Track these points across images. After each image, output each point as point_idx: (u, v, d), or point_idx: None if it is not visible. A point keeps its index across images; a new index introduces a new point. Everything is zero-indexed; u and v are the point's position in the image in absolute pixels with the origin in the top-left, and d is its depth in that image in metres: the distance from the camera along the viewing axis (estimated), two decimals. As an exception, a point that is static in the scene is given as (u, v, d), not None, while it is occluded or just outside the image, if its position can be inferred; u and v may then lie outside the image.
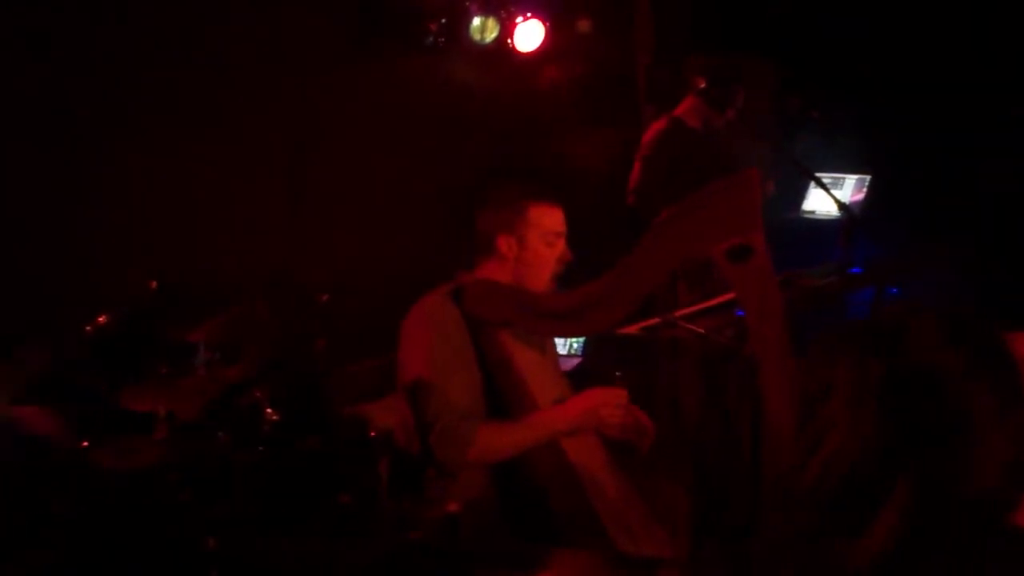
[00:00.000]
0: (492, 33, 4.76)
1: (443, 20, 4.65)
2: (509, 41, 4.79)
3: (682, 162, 4.38)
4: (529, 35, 4.80)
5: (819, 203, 5.27)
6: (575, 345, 4.81)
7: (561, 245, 2.82)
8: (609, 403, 2.70)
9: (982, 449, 1.27)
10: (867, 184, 5.24)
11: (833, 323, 1.43)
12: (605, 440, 2.83)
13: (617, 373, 2.83)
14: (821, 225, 5.14)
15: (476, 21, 4.70)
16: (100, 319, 3.21)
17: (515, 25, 4.77)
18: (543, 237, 2.79)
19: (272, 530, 2.94)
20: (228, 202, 4.02)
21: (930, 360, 1.29)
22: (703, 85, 4.48)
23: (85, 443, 2.99)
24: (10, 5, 3.49)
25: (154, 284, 3.32)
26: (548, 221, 2.80)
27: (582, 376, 3.91)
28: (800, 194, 5.35)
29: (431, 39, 4.65)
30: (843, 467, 1.31)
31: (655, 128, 4.60)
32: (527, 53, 4.84)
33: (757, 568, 2.33)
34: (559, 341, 4.50)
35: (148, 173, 3.82)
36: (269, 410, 3.23)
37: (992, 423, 1.27)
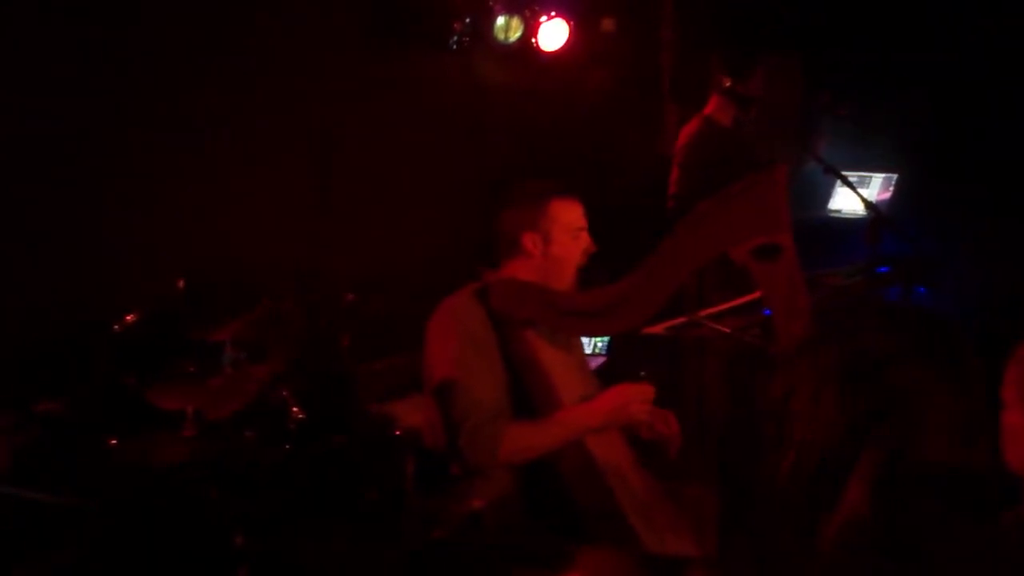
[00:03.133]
0: (516, 32, 4.75)
1: (467, 19, 4.65)
2: (533, 40, 4.79)
3: (718, 162, 4.35)
4: (553, 34, 4.80)
5: (846, 202, 5.24)
6: (599, 344, 4.81)
7: (585, 238, 2.83)
8: (637, 399, 2.70)
9: (932, 422, 1.38)
10: (894, 182, 5.20)
11: None
12: (632, 440, 2.83)
13: (642, 372, 2.82)
14: (848, 224, 5.11)
15: (500, 20, 4.70)
16: (128, 318, 3.24)
17: (539, 24, 4.77)
18: (567, 231, 2.80)
19: (298, 527, 2.95)
20: (255, 201, 4.04)
21: (873, 343, 1.41)
22: (728, 83, 4.46)
23: (113, 440, 3.02)
24: (38, 5, 3.52)
25: (182, 283, 3.35)
26: (570, 215, 2.81)
27: (606, 376, 3.90)
28: (827, 193, 5.32)
29: (455, 38, 4.66)
30: (812, 454, 1.42)
31: (688, 131, 4.56)
32: (551, 52, 4.84)
33: (784, 567, 2.32)
34: (583, 340, 4.50)
35: (175, 172, 3.85)
36: (295, 408, 3.25)
37: (939, 398, 1.38)
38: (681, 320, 3.16)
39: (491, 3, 4.67)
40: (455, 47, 4.67)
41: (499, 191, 2.91)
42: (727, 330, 3.08)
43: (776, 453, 1.45)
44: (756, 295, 2.96)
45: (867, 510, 1.36)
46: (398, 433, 3.23)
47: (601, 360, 4.71)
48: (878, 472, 1.37)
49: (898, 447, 1.37)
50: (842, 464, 1.39)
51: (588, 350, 4.71)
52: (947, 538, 1.34)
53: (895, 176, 5.21)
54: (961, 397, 1.39)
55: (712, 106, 4.56)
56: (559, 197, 2.81)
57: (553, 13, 4.77)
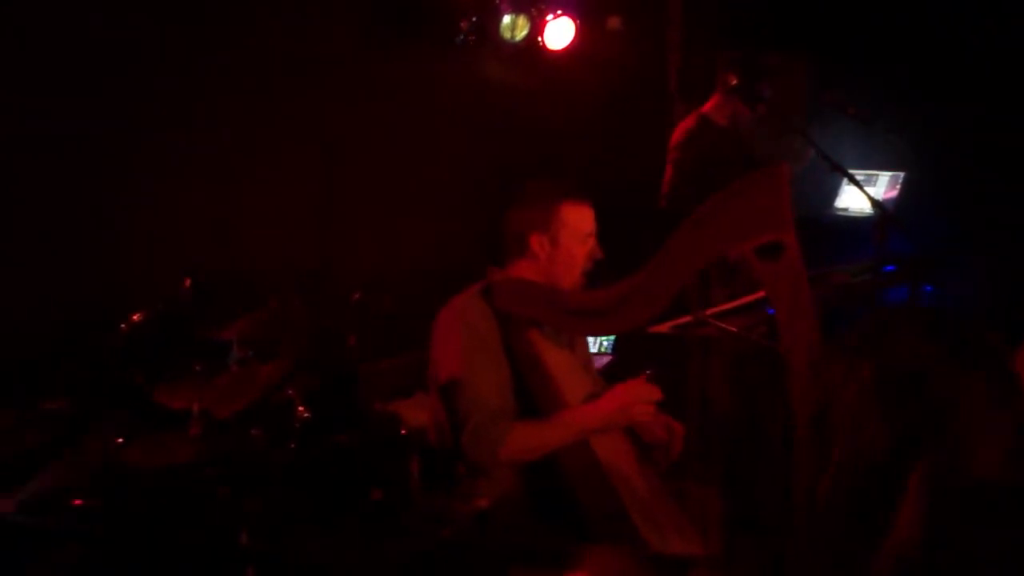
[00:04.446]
0: (522, 31, 4.75)
1: (474, 18, 4.65)
2: (540, 39, 4.79)
3: (711, 160, 4.35)
4: (560, 33, 4.80)
5: (852, 200, 5.23)
6: (605, 344, 4.80)
7: (592, 243, 2.83)
8: (640, 400, 2.69)
9: (980, 435, 1.31)
10: (901, 181, 5.19)
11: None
12: (636, 442, 2.83)
13: (647, 371, 2.82)
14: (855, 222, 5.10)
15: (506, 19, 4.70)
16: (135, 317, 3.24)
17: (545, 23, 4.77)
18: (576, 236, 2.80)
19: (304, 527, 2.95)
20: (261, 200, 4.05)
21: (913, 355, 1.34)
22: (734, 82, 4.45)
23: (120, 439, 3.02)
24: (38, 5, 3.52)
25: (188, 282, 3.35)
26: (581, 220, 2.81)
27: (612, 374, 3.89)
28: (833, 191, 5.31)
29: (462, 37, 4.66)
30: (855, 474, 1.35)
31: (683, 127, 4.58)
32: (558, 51, 4.84)
33: (791, 568, 2.31)
34: (589, 339, 4.50)
35: (180, 171, 3.85)
36: (301, 407, 3.25)
37: (985, 409, 1.32)
38: (687, 319, 3.16)
39: (497, 1, 4.67)
40: (461, 46, 4.67)
41: (509, 189, 2.90)
42: (733, 329, 3.08)
43: (814, 474, 1.39)
44: (761, 294, 2.96)
45: (920, 533, 1.31)
46: (403, 432, 3.23)
47: (607, 359, 4.70)
48: (929, 493, 1.31)
49: (948, 464, 1.31)
50: (888, 484, 1.32)
51: (594, 349, 4.71)
52: (1003, 560, 1.28)
53: (902, 174, 5.20)
54: (1006, 406, 1.34)
55: (710, 104, 4.56)
56: (570, 200, 2.80)
57: (559, 12, 4.76)
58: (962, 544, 1.29)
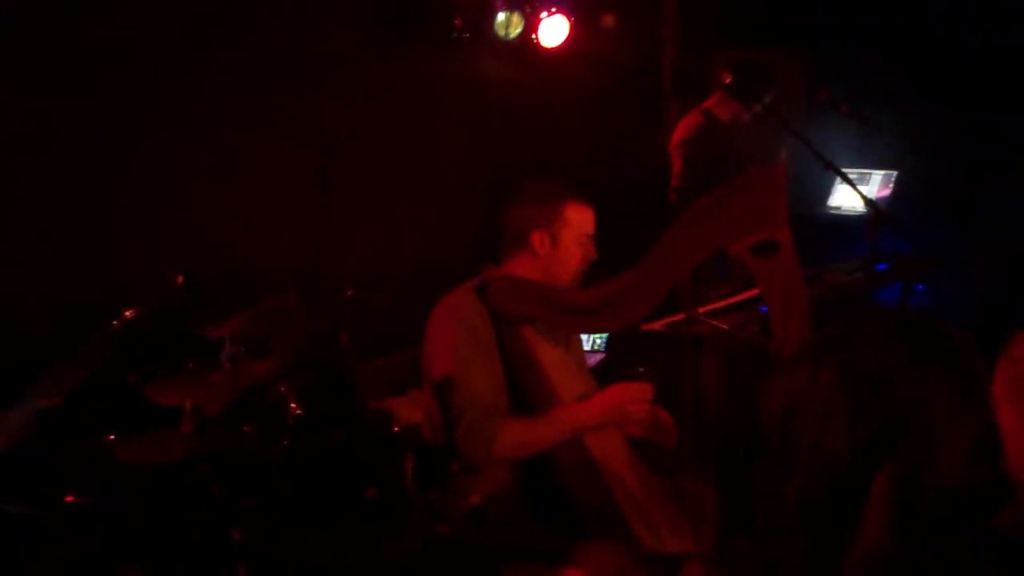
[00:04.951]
0: (517, 28, 4.76)
1: (468, 15, 4.66)
2: (534, 36, 4.79)
3: (716, 156, 4.36)
4: (554, 30, 4.80)
5: (845, 199, 5.24)
6: (598, 341, 4.81)
7: (590, 245, 2.84)
8: (634, 398, 2.70)
9: (944, 436, 1.31)
10: (894, 180, 5.21)
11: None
12: (630, 438, 2.83)
13: (640, 369, 2.83)
14: (848, 221, 5.12)
15: (501, 16, 4.71)
16: (127, 313, 3.24)
17: (539, 20, 4.77)
18: (576, 236, 2.81)
19: (298, 524, 2.96)
20: (256, 198, 4.05)
21: (877, 358, 1.34)
22: (728, 80, 4.46)
23: (112, 437, 3.02)
24: (38, 5, 3.52)
25: (181, 279, 3.34)
26: (583, 221, 2.82)
27: (605, 372, 3.90)
28: (826, 189, 5.32)
29: (456, 34, 4.66)
30: (820, 480, 1.34)
31: (688, 122, 4.58)
32: (552, 48, 4.84)
33: (785, 566, 2.32)
34: (583, 337, 4.51)
35: (175, 170, 3.85)
36: (293, 404, 3.25)
37: (949, 410, 1.31)
38: (680, 317, 3.17)
39: (493, -1, 4.68)
40: (456, 43, 4.67)
41: (506, 187, 2.91)
42: (725, 327, 3.09)
43: (782, 480, 1.39)
44: (755, 291, 2.97)
45: (888, 538, 1.30)
46: (397, 430, 3.23)
47: (600, 357, 4.71)
48: (896, 497, 1.31)
49: (913, 465, 1.30)
50: (854, 489, 1.32)
51: (587, 347, 4.72)
52: (968, 558, 1.29)
53: (895, 173, 5.21)
54: (973, 409, 1.33)
55: (712, 100, 4.57)
56: (574, 200, 2.81)
57: (553, 9, 4.77)
58: (928, 544, 1.29)
